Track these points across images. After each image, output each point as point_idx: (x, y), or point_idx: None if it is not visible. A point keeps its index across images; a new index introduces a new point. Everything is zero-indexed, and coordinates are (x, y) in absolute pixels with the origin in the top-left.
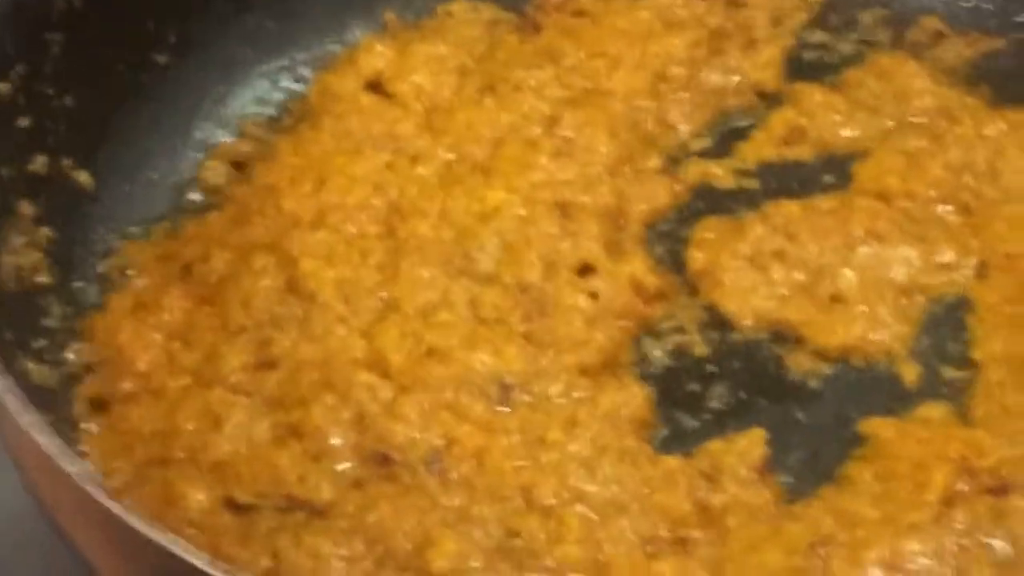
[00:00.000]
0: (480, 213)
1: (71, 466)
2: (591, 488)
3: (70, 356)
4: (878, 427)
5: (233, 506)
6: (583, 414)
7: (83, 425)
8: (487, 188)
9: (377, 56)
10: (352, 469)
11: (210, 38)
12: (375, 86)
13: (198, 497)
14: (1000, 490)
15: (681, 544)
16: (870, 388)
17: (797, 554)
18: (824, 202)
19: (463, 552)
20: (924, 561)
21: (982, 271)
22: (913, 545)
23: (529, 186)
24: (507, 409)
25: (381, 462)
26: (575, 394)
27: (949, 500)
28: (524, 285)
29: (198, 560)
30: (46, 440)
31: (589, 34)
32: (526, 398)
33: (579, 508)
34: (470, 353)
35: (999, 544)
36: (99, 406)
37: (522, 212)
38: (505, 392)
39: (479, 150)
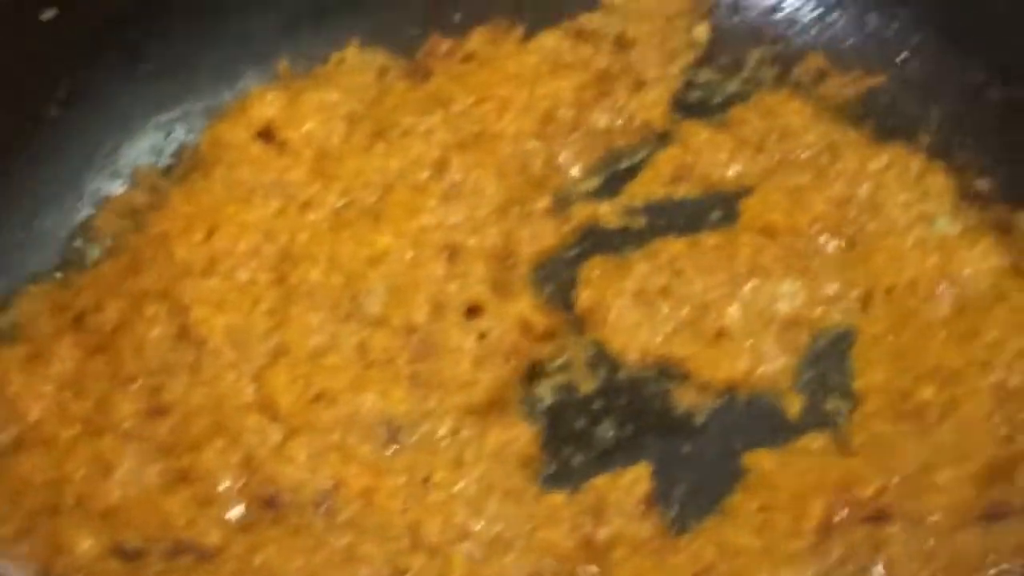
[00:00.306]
0: (369, 258)
1: None
2: (477, 526)
3: None
4: (760, 459)
5: (121, 552)
6: (470, 454)
7: None
8: (376, 233)
9: (268, 105)
10: (241, 512)
11: (102, 90)
12: (266, 134)
13: (86, 544)
14: (877, 518)
15: None
16: (755, 421)
17: None
18: (710, 238)
19: None
20: None
21: (865, 303)
22: (791, 574)
23: (417, 230)
24: (394, 450)
25: (270, 504)
26: (462, 434)
27: (827, 529)
28: (412, 327)
29: None
30: None
31: (478, 78)
32: (413, 439)
33: (465, 546)
34: (358, 395)
35: (877, 572)
36: None
37: (410, 255)
38: (392, 433)
39: (368, 196)
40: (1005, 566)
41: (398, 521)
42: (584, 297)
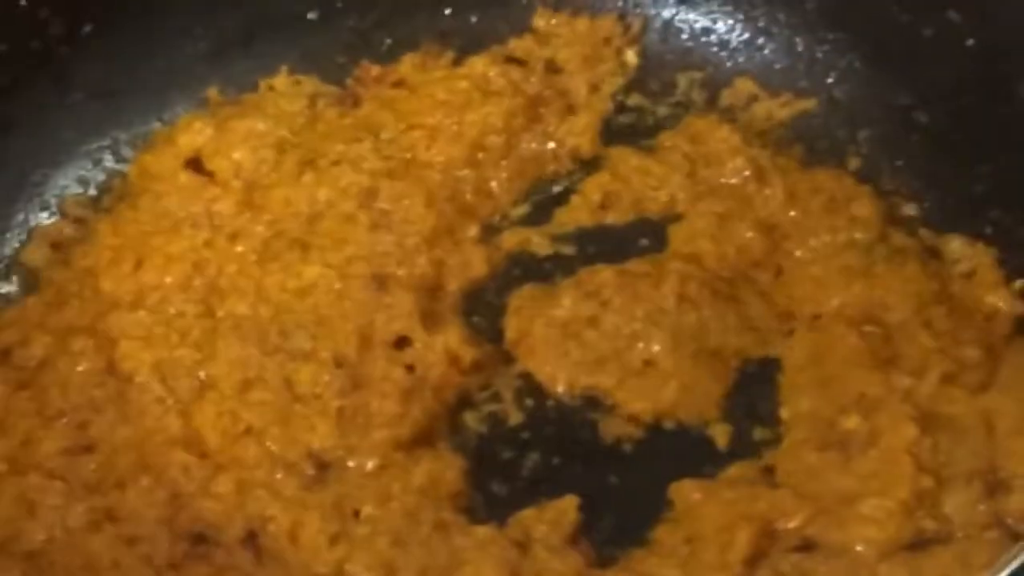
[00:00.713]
0: (297, 289)
1: None
2: (403, 561)
3: None
4: (686, 490)
5: None
6: (397, 488)
7: None
8: (304, 264)
9: (196, 134)
10: (167, 550)
11: (30, 119)
12: (194, 164)
13: None
14: (803, 549)
15: None
16: (682, 451)
17: None
18: (638, 266)
19: None
20: None
21: (790, 331)
22: None
23: (345, 260)
24: (322, 485)
25: (196, 541)
26: (389, 468)
27: (752, 561)
28: (339, 360)
29: None
30: None
31: (408, 105)
32: (340, 473)
33: None
34: (285, 430)
35: None
36: None
37: (338, 286)
38: (319, 468)
39: (297, 226)
40: None
41: (325, 557)
42: (512, 327)
